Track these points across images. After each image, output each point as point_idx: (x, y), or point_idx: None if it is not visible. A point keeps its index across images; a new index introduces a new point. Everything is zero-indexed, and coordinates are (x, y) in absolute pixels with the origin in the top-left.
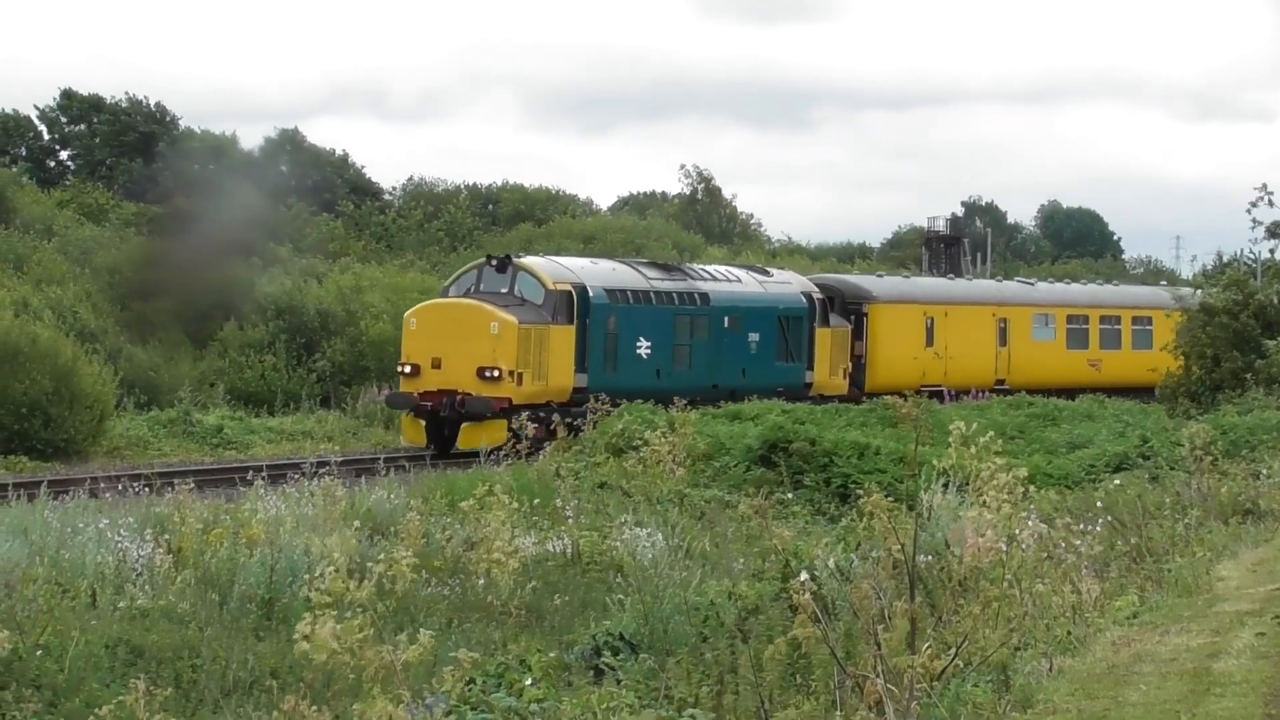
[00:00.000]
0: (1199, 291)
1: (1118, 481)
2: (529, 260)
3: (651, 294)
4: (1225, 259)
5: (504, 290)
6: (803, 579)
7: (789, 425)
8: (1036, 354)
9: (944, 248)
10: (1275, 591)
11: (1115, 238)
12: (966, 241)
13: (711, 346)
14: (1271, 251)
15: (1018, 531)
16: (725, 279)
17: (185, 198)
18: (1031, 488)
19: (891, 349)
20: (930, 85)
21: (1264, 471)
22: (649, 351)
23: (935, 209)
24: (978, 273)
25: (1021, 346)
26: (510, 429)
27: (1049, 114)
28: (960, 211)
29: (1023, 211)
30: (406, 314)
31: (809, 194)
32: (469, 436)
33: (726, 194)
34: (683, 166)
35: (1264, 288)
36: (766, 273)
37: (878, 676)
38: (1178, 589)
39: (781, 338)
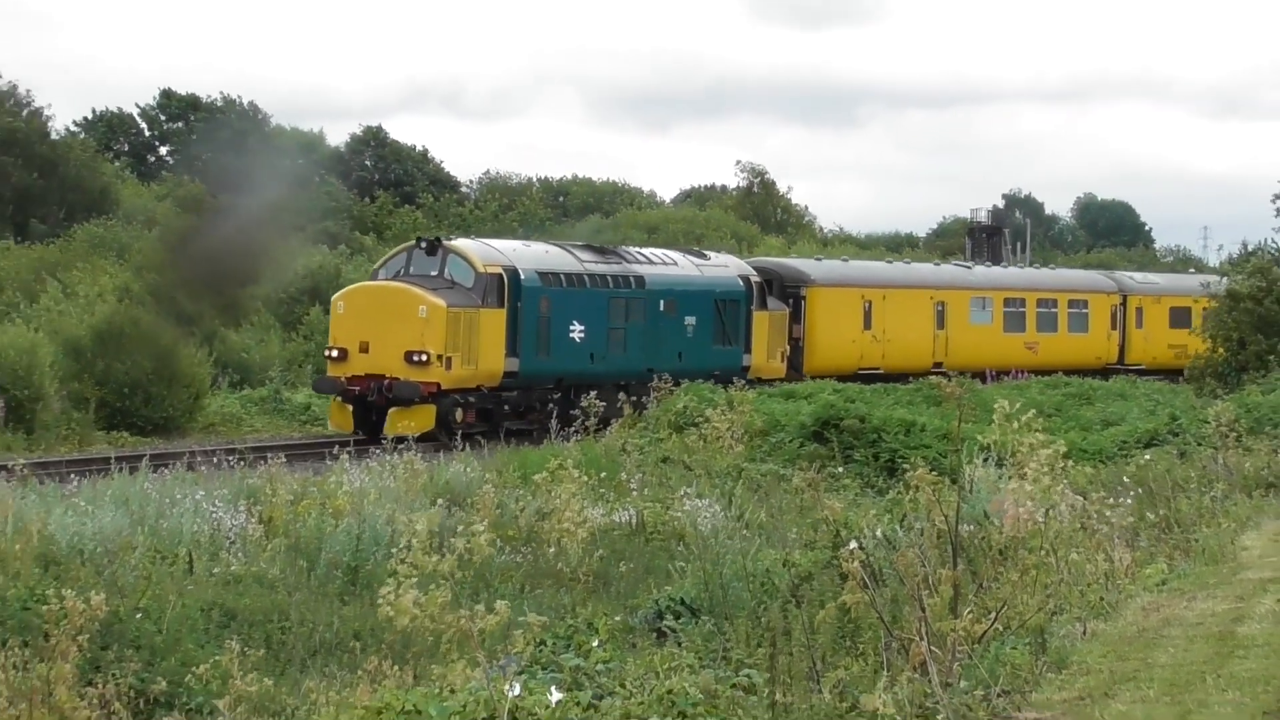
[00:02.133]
0: (1225, 279)
1: (1148, 456)
2: (459, 242)
3: (585, 277)
4: (1250, 248)
5: (434, 273)
6: (852, 548)
7: (840, 404)
8: (974, 337)
9: (986, 237)
10: None
11: (1146, 228)
12: (1007, 232)
13: (647, 330)
14: None
15: (1058, 500)
16: (661, 262)
17: (278, 190)
18: (1068, 462)
19: (830, 332)
20: (969, 85)
21: None
22: (582, 335)
23: (976, 201)
24: (1017, 261)
25: (959, 330)
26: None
27: (1082, 112)
28: (1001, 204)
29: (1060, 203)
30: (334, 297)
31: (855, 187)
32: (396, 422)
33: (781, 187)
34: (739, 162)
35: None
36: (704, 256)
37: (922, 639)
38: (1204, 558)
39: (718, 321)
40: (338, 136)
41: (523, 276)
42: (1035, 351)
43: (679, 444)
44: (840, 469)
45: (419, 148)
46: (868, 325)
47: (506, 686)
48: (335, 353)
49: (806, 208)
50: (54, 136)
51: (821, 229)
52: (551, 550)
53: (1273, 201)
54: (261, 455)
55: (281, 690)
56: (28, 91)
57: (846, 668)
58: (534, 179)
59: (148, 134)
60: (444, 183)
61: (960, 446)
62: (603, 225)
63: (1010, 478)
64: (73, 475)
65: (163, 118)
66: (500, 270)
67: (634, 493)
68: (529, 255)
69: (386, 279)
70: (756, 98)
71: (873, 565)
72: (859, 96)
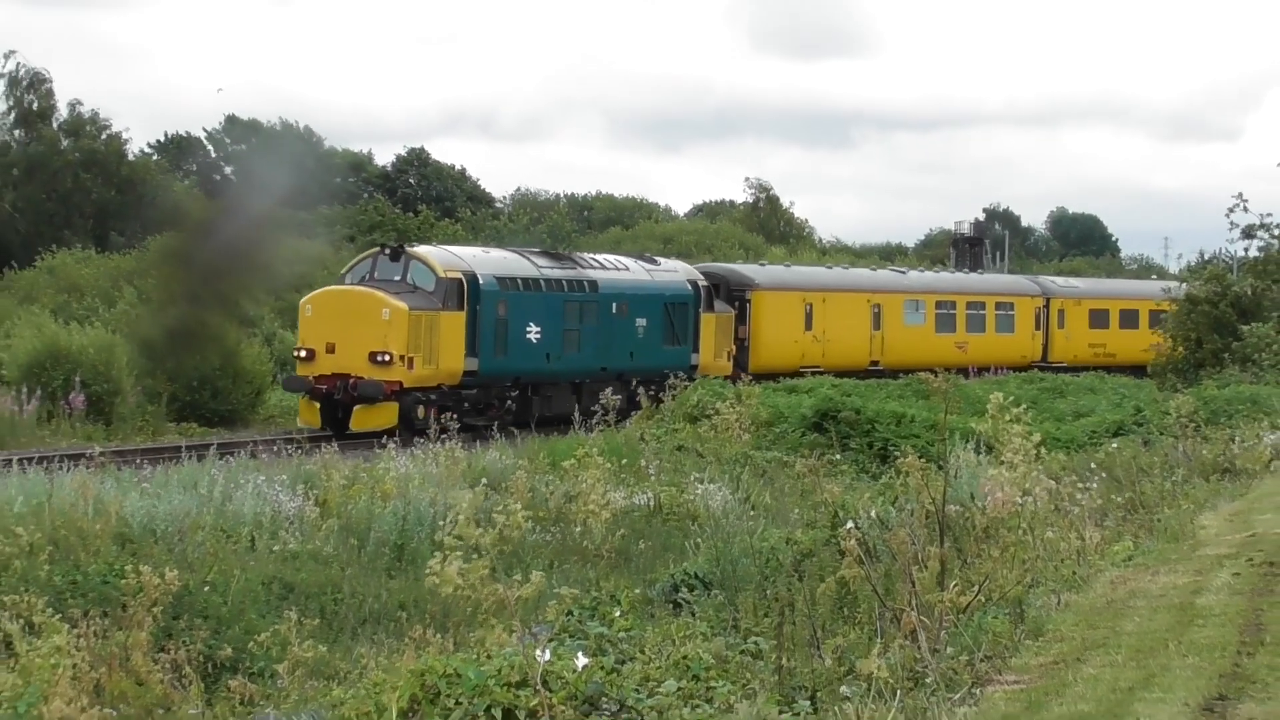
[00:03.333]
0: (1184, 284)
1: (1115, 445)
2: (421, 249)
3: (541, 281)
4: (1207, 256)
5: (397, 278)
6: (849, 527)
7: (838, 397)
8: (908, 337)
9: (968, 247)
10: (1249, 538)
11: (1113, 239)
12: (987, 242)
13: (600, 331)
14: (1246, 250)
15: (1034, 484)
16: (614, 267)
17: (328, 207)
18: (1043, 450)
19: (773, 333)
20: (951, 110)
21: (1239, 436)
22: (539, 336)
23: (959, 215)
24: (997, 269)
25: (894, 330)
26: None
27: (1053, 134)
28: (982, 216)
29: (1035, 216)
30: (302, 300)
31: (850, 202)
32: (361, 419)
33: (785, 202)
34: (747, 179)
35: (1239, 280)
36: (655, 261)
37: (913, 610)
38: (1166, 536)
39: (668, 323)
40: (384, 157)
41: (481, 281)
42: (965, 350)
43: (692, 434)
44: (838, 456)
45: (457, 167)
46: (809, 326)
47: (538, 652)
48: (304, 353)
49: (807, 221)
50: (130, 158)
51: (820, 240)
52: (578, 529)
53: (1227, 215)
54: (317, 444)
55: (335, 656)
56: (108, 117)
57: (844, 635)
58: (561, 195)
59: (213, 155)
60: (480, 199)
61: (946, 436)
62: (623, 236)
63: (992, 464)
64: (146, 462)
65: (227, 140)
66: (460, 275)
67: (651, 478)
68: (487, 261)
69: (353, 283)
70: (760, 121)
71: (868, 543)
72: (853, 120)
